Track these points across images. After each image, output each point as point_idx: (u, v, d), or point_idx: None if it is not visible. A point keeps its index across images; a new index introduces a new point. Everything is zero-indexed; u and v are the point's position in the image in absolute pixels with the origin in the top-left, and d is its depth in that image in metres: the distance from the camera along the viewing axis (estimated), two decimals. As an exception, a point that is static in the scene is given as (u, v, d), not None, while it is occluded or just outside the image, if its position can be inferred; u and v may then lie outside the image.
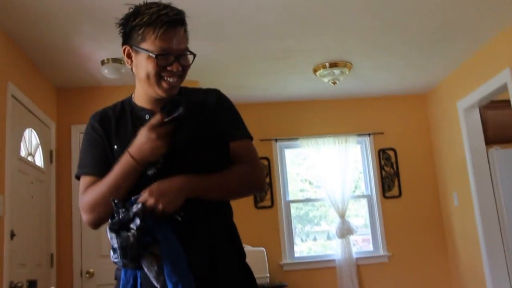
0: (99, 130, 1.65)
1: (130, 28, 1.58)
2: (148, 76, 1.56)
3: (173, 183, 1.47)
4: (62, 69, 4.95)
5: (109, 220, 1.45)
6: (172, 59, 1.55)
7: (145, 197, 1.44)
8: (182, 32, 1.59)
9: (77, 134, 5.31)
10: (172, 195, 1.45)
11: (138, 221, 1.38)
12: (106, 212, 1.49)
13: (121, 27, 1.62)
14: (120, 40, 1.64)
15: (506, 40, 4.74)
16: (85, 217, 1.58)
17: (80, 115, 5.32)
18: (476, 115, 5.65)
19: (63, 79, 5.21)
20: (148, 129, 1.48)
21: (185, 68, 1.60)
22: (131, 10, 1.61)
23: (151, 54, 1.54)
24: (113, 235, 1.39)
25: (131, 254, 1.39)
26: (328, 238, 6.55)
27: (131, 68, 1.65)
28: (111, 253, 1.45)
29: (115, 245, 1.39)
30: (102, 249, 5.05)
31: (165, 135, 1.47)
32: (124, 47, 1.62)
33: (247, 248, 5.49)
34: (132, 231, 1.38)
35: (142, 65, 1.57)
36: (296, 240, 6.43)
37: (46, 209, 4.89)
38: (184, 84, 1.69)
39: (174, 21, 1.55)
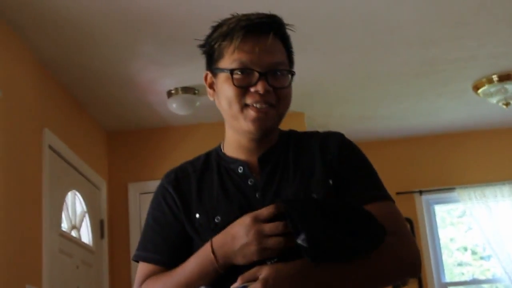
0: (172, 198, 1.70)
1: (209, 46, 1.67)
2: (229, 104, 1.62)
3: (295, 271, 1.45)
4: (115, 106, 5.09)
5: None
6: (256, 77, 1.58)
7: None
8: (273, 41, 1.63)
9: (137, 196, 5.41)
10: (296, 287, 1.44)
11: None
12: None
13: (202, 48, 1.72)
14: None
15: None
16: None
17: (140, 168, 5.41)
18: None
19: (116, 120, 5.36)
20: (251, 218, 1.47)
21: (279, 91, 1.62)
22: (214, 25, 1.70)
23: (226, 72, 1.61)
24: None
25: None
26: None
27: (215, 101, 1.73)
28: None
29: None
30: None
31: (269, 238, 1.45)
32: (205, 74, 1.72)
33: None
34: None
35: (222, 91, 1.64)
36: None
37: (97, 303, 4.97)
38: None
39: (257, 25, 1.60)
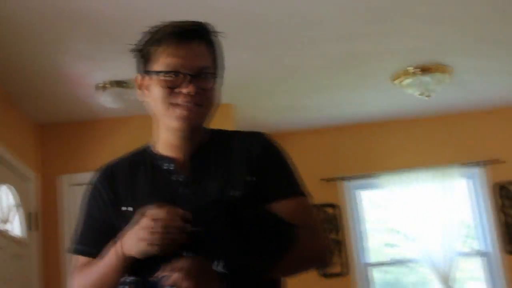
0: (105, 191, 1.78)
1: (141, 50, 1.77)
2: (158, 104, 1.72)
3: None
4: (46, 100, 5.09)
5: None
6: (184, 79, 1.69)
7: (178, 279, 1.49)
8: (202, 47, 1.74)
9: (68, 188, 5.39)
10: (213, 278, 1.51)
11: None
12: None
13: (134, 52, 1.80)
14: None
15: None
16: None
17: (71, 161, 5.41)
18: None
19: (46, 112, 5.35)
20: (148, 217, 1.56)
21: (205, 92, 1.72)
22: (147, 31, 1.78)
23: (157, 74, 1.70)
24: None
25: None
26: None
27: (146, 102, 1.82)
28: None
29: None
30: None
31: (157, 236, 1.53)
32: (135, 77, 1.80)
33: None
34: None
35: (152, 92, 1.74)
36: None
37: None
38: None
39: (188, 32, 1.71)
